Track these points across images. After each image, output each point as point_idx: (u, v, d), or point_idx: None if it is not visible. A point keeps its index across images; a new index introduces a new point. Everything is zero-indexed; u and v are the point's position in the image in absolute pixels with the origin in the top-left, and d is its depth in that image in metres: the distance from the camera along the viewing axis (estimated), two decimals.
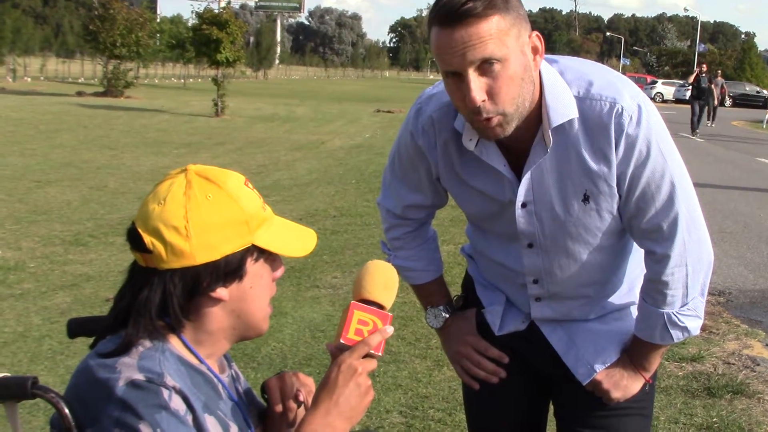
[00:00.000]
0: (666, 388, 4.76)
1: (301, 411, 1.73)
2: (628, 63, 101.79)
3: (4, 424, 1.54)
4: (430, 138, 2.03)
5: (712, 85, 28.76)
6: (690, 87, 27.95)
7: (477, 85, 1.73)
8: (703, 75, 27.12)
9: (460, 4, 1.68)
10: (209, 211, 1.50)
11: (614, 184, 1.89)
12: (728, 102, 30.42)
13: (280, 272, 1.65)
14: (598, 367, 2.11)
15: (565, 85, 1.87)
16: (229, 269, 1.53)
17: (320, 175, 13.21)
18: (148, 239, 1.49)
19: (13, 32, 41.52)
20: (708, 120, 30.13)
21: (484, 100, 1.74)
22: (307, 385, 1.76)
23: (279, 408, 1.72)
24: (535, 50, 1.79)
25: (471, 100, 1.74)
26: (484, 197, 2.03)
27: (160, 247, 1.49)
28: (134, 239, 1.52)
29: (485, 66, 1.71)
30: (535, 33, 1.79)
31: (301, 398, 1.71)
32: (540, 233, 2.01)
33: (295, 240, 1.64)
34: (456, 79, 1.75)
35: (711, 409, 4.49)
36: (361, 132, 21.66)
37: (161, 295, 1.51)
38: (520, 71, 1.75)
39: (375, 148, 17.29)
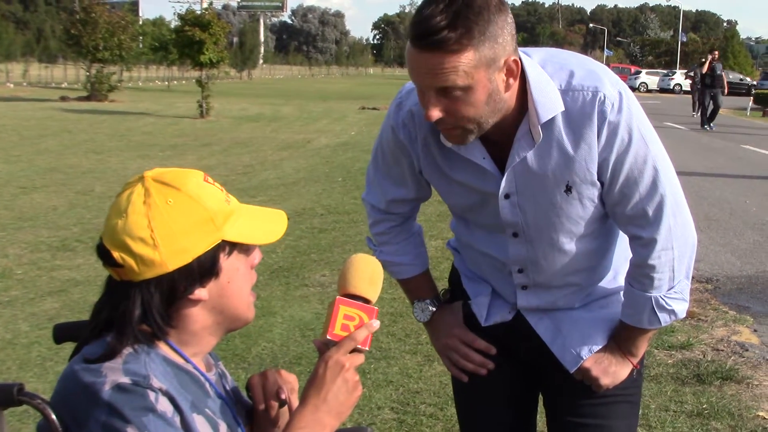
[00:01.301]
0: (656, 376, 4.78)
1: (285, 409, 1.73)
2: (611, 54, 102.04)
3: None
4: (411, 132, 2.04)
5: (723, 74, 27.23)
6: (702, 76, 25.56)
7: (434, 104, 1.76)
8: (717, 62, 25.64)
9: (434, 31, 1.66)
10: (172, 217, 1.48)
11: (595, 172, 1.91)
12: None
13: (257, 258, 1.64)
14: (585, 354, 2.11)
15: (549, 79, 1.87)
16: (203, 269, 1.52)
17: (307, 173, 13.20)
18: (117, 254, 1.48)
19: None
20: (694, 111, 29.43)
21: (440, 117, 1.78)
22: (289, 382, 1.74)
23: (261, 406, 1.72)
24: (509, 73, 1.78)
25: (427, 116, 1.78)
26: (467, 189, 2.04)
27: (130, 261, 1.47)
28: (103, 256, 1.50)
29: (446, 90, 1.73)
30: (513, 58, 1.76)
31: (283, 396, 1.70)
32: (524, 223, 2.03)
33: (265, 226, 1.63)
34: (421, 90, 1.79)
35: (701, 396, 4.51)
36: (347, 130, 21.65)
37: (140, 307, 1.50)
38: (483, 97, 1.76)
39: (361, 145, 17.28)
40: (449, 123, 1.80)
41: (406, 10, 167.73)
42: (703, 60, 27.12)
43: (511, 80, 1.79)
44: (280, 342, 5.27)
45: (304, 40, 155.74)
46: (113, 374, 1.43)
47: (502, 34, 1.72)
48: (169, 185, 1.51)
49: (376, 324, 1.62)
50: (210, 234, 1.52)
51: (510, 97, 1.83)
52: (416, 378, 4.71)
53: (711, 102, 25.24)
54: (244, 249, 1.60)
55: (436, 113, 1.77)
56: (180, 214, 1.49)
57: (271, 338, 5.32)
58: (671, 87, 61.44)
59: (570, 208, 1.97)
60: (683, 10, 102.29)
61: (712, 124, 24.93)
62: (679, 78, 61.73)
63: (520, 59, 1.80)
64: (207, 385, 1.59)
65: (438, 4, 1.68)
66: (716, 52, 26.85)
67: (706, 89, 25.34)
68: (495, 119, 1.83)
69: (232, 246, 1.56)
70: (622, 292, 2.15)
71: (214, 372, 1.68)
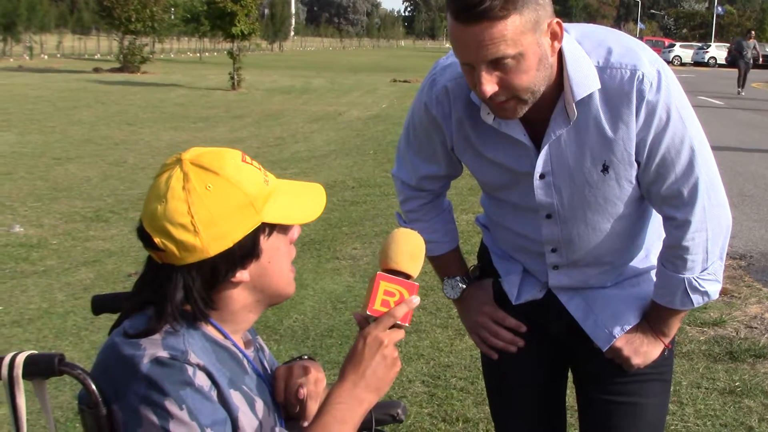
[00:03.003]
0: (688, 353, 4.76)
1: (307, 402, 1.71)
2: (644, 27, 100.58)
3: (34, 400, 1.56)
4: (445, 108, 2.02)
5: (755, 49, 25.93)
6: None
7: (488, 79, 1.72)
8: None
9: (477, 2, 1.63)
10: (212, 202, 1.47)
11: (633, 152, 1.88)
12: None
13: (296, 234, 1.63)
14: (617, 332, 2.10)
15: (585, 56, 1.84)
16: (244, 252, 1.52)
17: (338, 146, 13.21)
18: (158, 239, 1.48)
19: (28, 10, 41.41)
20: (739, 88, 28.64)
21: (495, 91, 1.74)
22: (317, 379, 1.74)
23: (280, 398, 1.71)
24: (554, 36, 1.75)
25: (481, 92, 1.74)
26: (500, 168, 2.02)
27: (171, 246, 1.47)
28: (144, 239, 1.50)
29: (498, 61, 1.70)
30: (556, 20, 1.74)
31: (301, 397, 1.69)
32: (559, 204, 2.01)
33: (304, 203, 1.62)
34: (469, 67, 1.75)
35: (733, 373, 4.49)
36: (378, 102, 21.60)
37: (182, 290, 1.50)
38: (535, 63, 1.73)
39: (392, 118, 17.24)
40: (503, 96, 1.76)
41: None
42: (752, 32, 25.97)
43: (556, 43, 1.77)
44: (311, 314, 5.30)
45: (335, 12, 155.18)
46: (152, 348, 1.45)
47: None
48: (208, 169, 1.49)
49: (416, 300, 1.60)
50: (250, 218, 1.51)
51: (554, 64, 1.80)
52: (447, 352, 4.72)
53: None
54: (284, 227, 1.59)
55: (490, 87, 1.72)
56: (220, 200, 1.48)
57: (302, 310, 5.35)
58: (706, 60, 60.61)
59: (607, 188, 1.95)
60: None
61: None
62: (714, 51, 60.87)
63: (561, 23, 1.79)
64: (245, 362, 1.60)
65: None
66: None
67: None
68: (544, 87, 1.80)
69: (272, 227, 1.56)
70: (653, 271, 2.13)
71: (253, 348, 1.69)
